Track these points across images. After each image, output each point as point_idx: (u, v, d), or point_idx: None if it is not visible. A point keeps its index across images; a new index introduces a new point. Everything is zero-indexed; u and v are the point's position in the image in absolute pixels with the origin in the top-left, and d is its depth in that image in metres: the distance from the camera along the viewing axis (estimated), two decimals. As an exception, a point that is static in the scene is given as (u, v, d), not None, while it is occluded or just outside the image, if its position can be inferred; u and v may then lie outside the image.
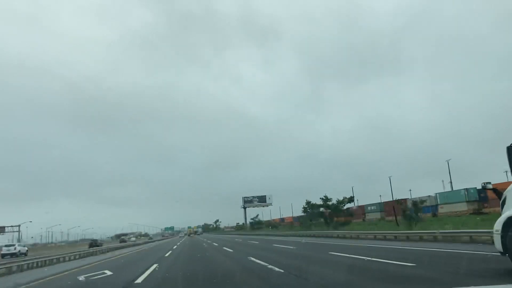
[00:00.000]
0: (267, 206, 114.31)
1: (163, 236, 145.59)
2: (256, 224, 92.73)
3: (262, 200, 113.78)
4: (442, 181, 57.52)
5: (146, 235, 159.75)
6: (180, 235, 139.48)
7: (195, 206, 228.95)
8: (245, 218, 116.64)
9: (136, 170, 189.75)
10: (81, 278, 13.35)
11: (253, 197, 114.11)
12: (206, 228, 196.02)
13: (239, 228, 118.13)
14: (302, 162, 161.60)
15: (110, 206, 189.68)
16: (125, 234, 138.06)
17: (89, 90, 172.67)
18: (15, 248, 41.18)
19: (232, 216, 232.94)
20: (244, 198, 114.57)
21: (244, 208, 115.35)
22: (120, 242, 77.72)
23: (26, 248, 45.34)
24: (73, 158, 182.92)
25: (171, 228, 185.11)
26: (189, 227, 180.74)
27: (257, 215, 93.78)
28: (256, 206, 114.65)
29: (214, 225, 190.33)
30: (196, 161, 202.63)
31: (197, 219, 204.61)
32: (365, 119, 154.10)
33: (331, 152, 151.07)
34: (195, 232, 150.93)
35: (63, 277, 15.40)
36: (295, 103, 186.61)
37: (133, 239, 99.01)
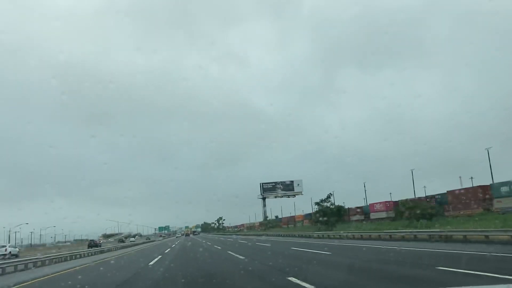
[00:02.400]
0: (294, 196, 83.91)
1: (161, 236, 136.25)
2: (332, 214, 44.17)
3: (288, 187, 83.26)
4: (460, 177, 46.72)
5: (138, 235, 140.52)
6: (177, 235, 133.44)
7: (194, 204, 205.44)
8: (264, 211, 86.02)
9: (128, 166, 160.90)
10: None
11: (275, 183, 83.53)
12: (206, 227, 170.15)
13: (268, 224, 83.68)
14: (309, 158, 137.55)
15: (96, 205, 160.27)
16: (112, 235, 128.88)
17: (76, 74, 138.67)
18: (5, 250, 38.82)
19: (238, 214, 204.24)
20: (262, 184, 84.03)
21: (263, 198, 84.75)
22: (119, 242, 75.72)
23: (18, 249, 44.25)
24: (52, 151, 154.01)
25: (167, 228, 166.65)
26: (186, 227, 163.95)
27: (329, 195, 43.41)
28: (280, 195, 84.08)
29: (217, 224, 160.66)
30: (195, 156, 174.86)
31: (196, 218, 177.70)
32: (378, 110, 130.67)
33: (340, 147, 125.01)
34: (193, 232, 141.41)
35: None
36: (304, 92, 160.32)
37: (133, 239, 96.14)
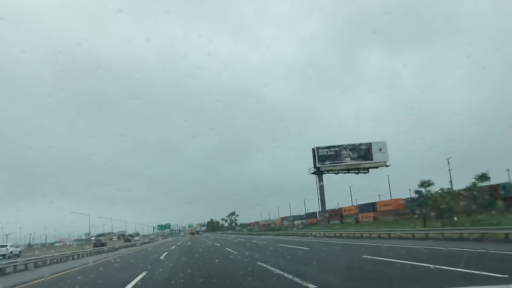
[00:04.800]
0: (367, 170, 50.08)
1: (163, 235, 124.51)
2: None
3: (362, 154, 48.87)
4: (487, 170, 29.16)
5: (136, 234, 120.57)
6: (180, 234, 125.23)
7: (196, 203, 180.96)
8: (320, 195, 51.73)
9: (128, 165, 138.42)
10: None
11: (339, 147, 49.21)
12: (213, 226, 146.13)
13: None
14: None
15: (93, 204, 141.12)
16: (102, 234, 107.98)
17: (75, 72, 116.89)
18: (7, 249, 37.52)
19: (247, 211, 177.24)
20: (318, 150, 49.80)
21: (319, 172, 50.40)
22: (125, 241, 70.08)
23: (19, 249, 41.59)
24: (51, 151, 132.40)
25: (167, 226, 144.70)
26: (190, 226, 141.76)
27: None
28: (346, 168, 50.06)
29: (228, 221, 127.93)
30: (198, 151, 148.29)
31: (200, 216, 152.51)
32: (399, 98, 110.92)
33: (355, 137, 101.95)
34: (196, 232, 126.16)
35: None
36: (318, 79, 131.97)
37: (137, 238, 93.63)
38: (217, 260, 16.97)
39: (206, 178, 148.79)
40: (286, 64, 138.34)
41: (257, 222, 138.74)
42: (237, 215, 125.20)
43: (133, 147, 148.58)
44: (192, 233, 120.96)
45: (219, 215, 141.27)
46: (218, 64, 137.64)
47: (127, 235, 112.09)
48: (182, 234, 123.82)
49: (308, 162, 50.89)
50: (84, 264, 21.14)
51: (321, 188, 49.00)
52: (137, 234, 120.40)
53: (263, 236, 52.94)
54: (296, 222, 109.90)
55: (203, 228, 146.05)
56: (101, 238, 59.09)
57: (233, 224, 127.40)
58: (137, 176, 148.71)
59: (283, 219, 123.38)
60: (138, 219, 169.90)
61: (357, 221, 72.99)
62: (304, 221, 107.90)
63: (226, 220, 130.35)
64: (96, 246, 44.35)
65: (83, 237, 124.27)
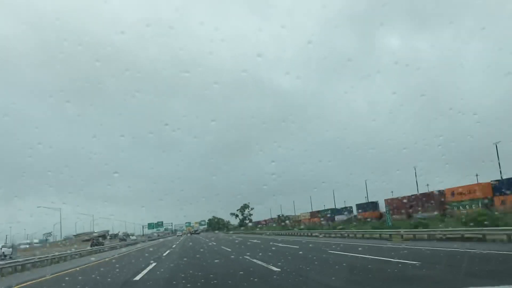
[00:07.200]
0: None
1: (158, 235, 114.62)
2: None
3: None
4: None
5: (126, 235, 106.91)
6: (178, 233, 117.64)
7: (197, 198, 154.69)
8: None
9: (126, 160, 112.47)
10: None
11: None
12: (215, 224, 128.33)
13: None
14: (323, 150, 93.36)
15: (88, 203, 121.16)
16: (85, 234, 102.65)
17: (74, 70, 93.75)
18: None
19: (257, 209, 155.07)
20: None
21: None
22: (120, 241, 74.10)
23: (11, 250, 41.98)
24: (50, 151, 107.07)
25: (159, 225, 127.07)
26: (187, 225, 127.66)
27: None
28: None
29: (240, 217, 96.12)
30: (197, 145, 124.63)
31: (201, 213, 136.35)
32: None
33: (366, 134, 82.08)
34: (195, 231, 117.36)
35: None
36: (332, 64, 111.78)
37: (133, 237, 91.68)
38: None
39: (207, 171, 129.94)
40: (295, 45, 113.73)
41: (273, 219, 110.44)
42: (252, 209, 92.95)
43: (132, 143, 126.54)
44: (191, 233, 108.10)
45: (222, 213, 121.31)
46: (220, 54, 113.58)
47: (112, 234, 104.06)
48: (179, 234, 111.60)
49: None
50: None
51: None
52: (126, 234, 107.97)
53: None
54: (338, 218, 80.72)
55: (203, 227, 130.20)
56: (99, 238, 59.89)
57: (246, 221, 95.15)
58: (133, 172, 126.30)
59: (312, 214, 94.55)
60: (127, 217, 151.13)
61: (488, 210, 39.82)
62: (352, 215, 78.16)
63: (237, 216, 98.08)
64: (93, 246, 45.73)
65: (42, 238, 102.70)
